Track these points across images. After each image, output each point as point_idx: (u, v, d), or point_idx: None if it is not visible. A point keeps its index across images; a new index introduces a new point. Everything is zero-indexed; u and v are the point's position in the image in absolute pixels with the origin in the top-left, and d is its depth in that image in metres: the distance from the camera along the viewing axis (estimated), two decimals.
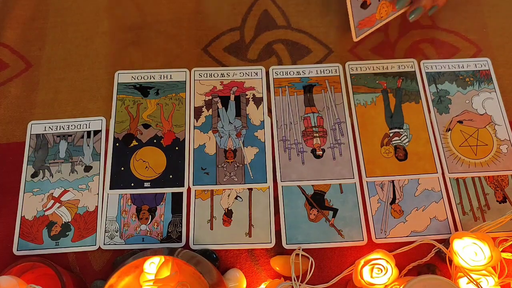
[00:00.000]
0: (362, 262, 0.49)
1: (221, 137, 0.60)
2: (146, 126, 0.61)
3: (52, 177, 0.58)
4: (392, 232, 0.56)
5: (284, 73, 0.64)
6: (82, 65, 0.65)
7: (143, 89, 0.63)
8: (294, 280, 0.50)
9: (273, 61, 0.65)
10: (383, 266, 0.48)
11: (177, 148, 0.60)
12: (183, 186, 0.58)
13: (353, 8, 0.58)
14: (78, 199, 0.57)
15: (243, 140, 0.60)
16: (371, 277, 0.48)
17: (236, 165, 0.59)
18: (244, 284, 0.53)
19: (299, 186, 0.58)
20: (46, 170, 0.59)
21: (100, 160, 0.59)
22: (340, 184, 0.58)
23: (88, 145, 0.60)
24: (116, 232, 0.56)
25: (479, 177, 0.58)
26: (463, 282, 0.49)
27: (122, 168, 0.59)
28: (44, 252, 0.55)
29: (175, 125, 0.61)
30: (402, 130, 0.61)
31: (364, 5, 0.59)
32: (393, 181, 0.58)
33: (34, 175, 0.59)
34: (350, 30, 0.60)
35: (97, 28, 0.67)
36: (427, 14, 0.64)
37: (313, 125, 0.61)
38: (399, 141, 0.60)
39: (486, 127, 0.61)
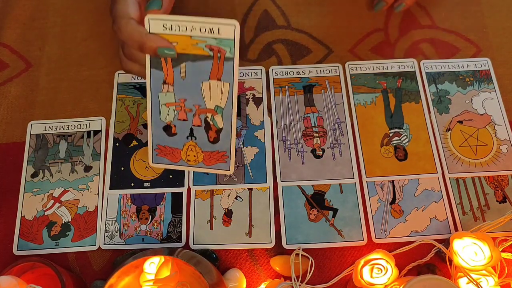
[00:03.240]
0: (362, 262, 0.49)
1: None
2: (146, 126, 0.61)
3: (52, 177, 0.58)
4: (392, 232, 0.56)
5: (284, 73, 0.64)
6: (82, 65, 0.65)
7: (143, 89, 0.63)
8: (294, 280, 0.50)
9: (273, 61, 0.65)
10: (383, 266, 0.48)
11: None
12: (183, 186, 0.58)
13: (154, 127, 0.51)
14: (78, 199, 0.57)
15: (243, 140, 0.60)
16: (371, 277, 0.48)
17: (236, 165, 0.59)
18: (244, 284, 0.53)
19: (299, 186, 0.58)
20: (46, 170, 0.59)
21: (100, 160, 0.59)
22: (340, 184, 0.58)
23: (88, 145, 0.60)
24: (116, 232, 0.56)
25: (479, 177, 0.58)
26: (463, 282, 0.49)
27: (122, 168, 0.59)
28: (44, 252, 0.55)
29: None
30: (402, 130, 0.61)
31: (167, 130, 0.51)
32: (393, 181, 0.58)
33: (34, 175, 0.59)
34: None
35: (97, 28, 0.67)
36: (426, 13, 0.64)
37: (313, 125, 0.61)
38: (399, 141, 0.60)
39: (486, 127, 0.61)
